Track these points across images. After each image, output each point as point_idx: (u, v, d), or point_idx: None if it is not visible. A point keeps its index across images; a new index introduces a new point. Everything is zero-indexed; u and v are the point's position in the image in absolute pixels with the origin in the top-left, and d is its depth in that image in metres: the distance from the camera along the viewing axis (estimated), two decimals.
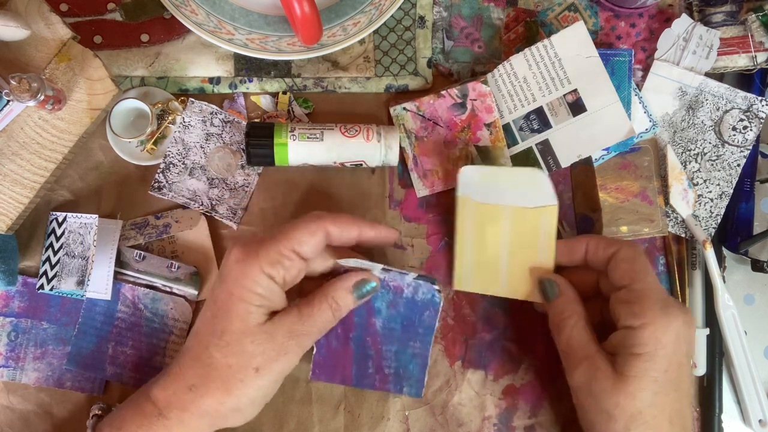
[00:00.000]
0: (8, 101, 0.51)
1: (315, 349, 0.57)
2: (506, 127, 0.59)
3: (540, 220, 0.55)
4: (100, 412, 0.52)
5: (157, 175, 0.58)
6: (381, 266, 0.52)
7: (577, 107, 0.58)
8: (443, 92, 0.58)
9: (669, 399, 0.47)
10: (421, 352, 0.58)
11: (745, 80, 0.61)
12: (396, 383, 0.58)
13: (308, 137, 0.55)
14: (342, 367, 0.57)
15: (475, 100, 0.58)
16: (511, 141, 0.59)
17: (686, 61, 0.60)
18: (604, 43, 0.61)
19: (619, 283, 0.50)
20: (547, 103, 0.58)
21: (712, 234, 0.60)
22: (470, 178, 0.56)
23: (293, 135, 0.55)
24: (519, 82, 0.58)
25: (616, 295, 0.50)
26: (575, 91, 0.58)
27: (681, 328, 0.47)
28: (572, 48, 0.57)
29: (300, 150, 0.55)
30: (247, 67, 0.59)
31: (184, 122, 0.58)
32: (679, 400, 0.48)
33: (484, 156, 0.59)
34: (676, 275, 0.61)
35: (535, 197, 0.54)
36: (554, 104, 0.58)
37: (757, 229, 0.60)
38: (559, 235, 0.57)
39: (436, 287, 0.57)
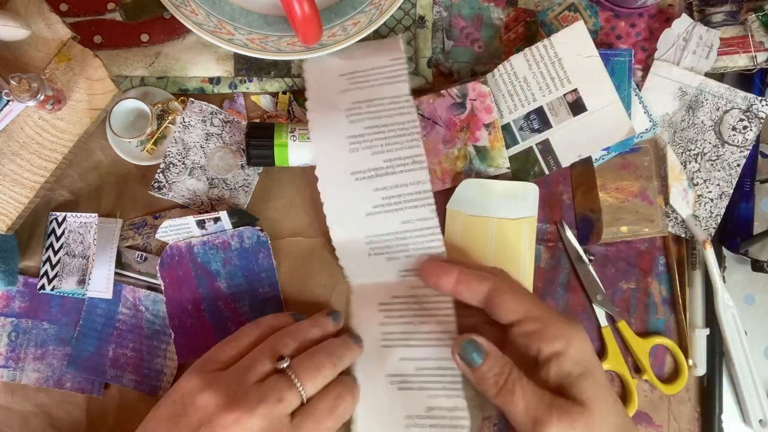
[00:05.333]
0: (8, 101, 0.51)
1: (173, 334, 0.56)
2: (506, 127, 0.59)
3: (522, 231, 0.58)
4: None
5: (157, 175, 0.58)
6: (194, 219, 0.54)
7: (577, 107, 0.58)
8: (443, 92, 0.58)
9: (614, 397, 0.46)
10: (273, 293, 0.57)
11: (745, 80, 0.61)
12: None
13: (308, 138, 0.55)
14: (204, 339, 0.56)
15: (474, 100, 0.58)
16: (511, 141, 0.59)
17: (686, 61, 0.60)
18: (604, 43, 0.61)
19: (511, 318, 0.47)
20: (547, 102, 0.58)
21: (712, 234, 0.60)
22: (467, 190, 0.58)
23: (293, 135, 0.55)
24: (519, 82, 0.58)
25: (518, 329, 0.47)
26: (575, 90, 0.58)
27: (582, 331, 0.47)
28: (572, 48, 0.57)
29: (300, 150, 0.55)
30: (247, 67, 0.59)
31: (184, 122, 0.58)
32: (616, 398, 0.47)
33: (483, 156, 0.59)
34: (676, 275, 0.61)
35: (520, 209, 0.58)
36: (554, 104, 0.58)
37: (757, 229, 0.60)
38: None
39: (258, 227, 0.57)
